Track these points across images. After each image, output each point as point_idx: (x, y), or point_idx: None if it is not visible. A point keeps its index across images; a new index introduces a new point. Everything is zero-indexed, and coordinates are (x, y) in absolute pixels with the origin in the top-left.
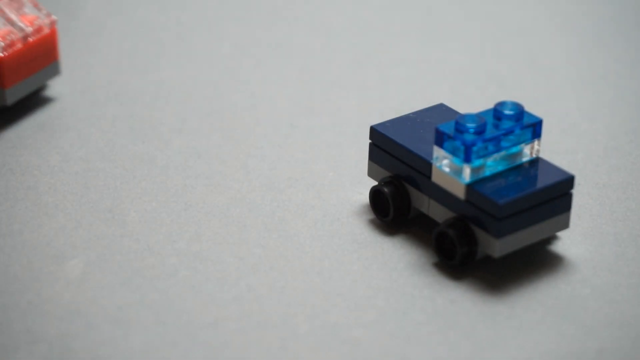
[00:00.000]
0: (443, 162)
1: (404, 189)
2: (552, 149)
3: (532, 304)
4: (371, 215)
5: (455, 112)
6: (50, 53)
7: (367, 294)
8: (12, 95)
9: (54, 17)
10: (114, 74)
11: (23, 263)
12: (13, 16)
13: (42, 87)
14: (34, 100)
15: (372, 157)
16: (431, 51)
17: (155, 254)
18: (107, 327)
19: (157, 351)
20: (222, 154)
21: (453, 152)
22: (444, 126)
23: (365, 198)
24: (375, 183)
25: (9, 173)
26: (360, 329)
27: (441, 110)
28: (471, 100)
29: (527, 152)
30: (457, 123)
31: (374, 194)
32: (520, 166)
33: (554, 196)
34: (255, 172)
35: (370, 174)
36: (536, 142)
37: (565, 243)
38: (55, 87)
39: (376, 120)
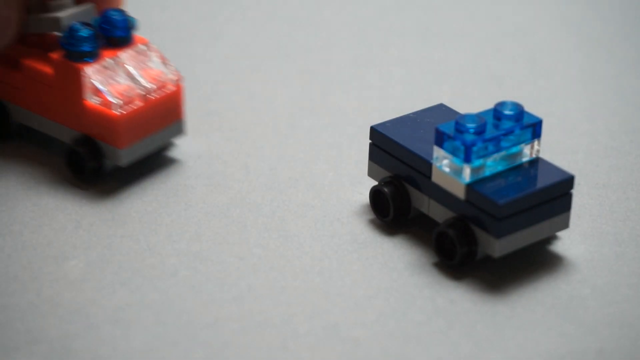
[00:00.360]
0: (443, 162)
1: (404, 189)
2: (552, 149)
3: (532, 304)
4: (371, 215)
5: (455, 112)
6: (174, 112)
7: (367, 294)
8: (128, 156)
9: (180, 73)
10: None
11: (23, 263)
12: (135, 71)
13: (164, 147)
14: None
15: (372, 157)
16: (431, 51)
17: (155, 254)
18: (107, 327)
19: (157, 351)
20: (222, 154)
21: (453, 152)
22: (444, 126)
23: (365, 198)
24: (375, 183)
25: (9, 173)
26: (360, 329)
27: (441, 110)
28: (471, 100)
29: (527, 152)
30: (457, 123)
31: (374, 194)
32: (520, 166)
33: (553, 196)
34: (255, 172)
35: (371, 174)
36: (536, 142)
37: (565, 243)
38: None
39: (376, 120)
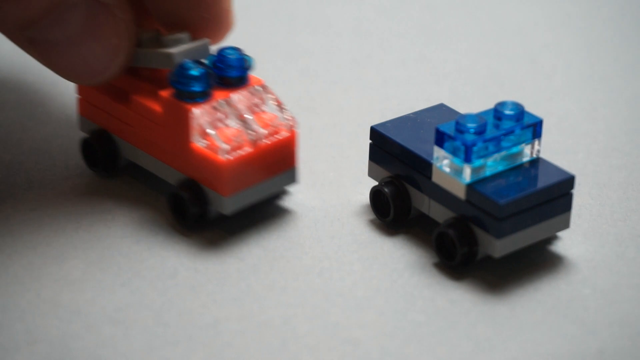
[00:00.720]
0: (443, 162)
1: (404, 189)
2: (553, 149)
3: (533, 305)
4: (371, 215)
5: (456, 112)
6: (286, 159)
7: (367, 294)
8: (233, 204)
9: (296, 119)
10: None
11: (23, 263)
12: (247, 114)
13: (275, 196)
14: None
15: (372, 157)
16: (431, 51)
17: (155, 254)
18: (107, 327)
19: (157, 352)
20: None
21: (453, 152)
22: (444, 126)
23: (365, 198)
24: (375, 183)
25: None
26: (361, 330)
27: (441, 110)
28: (471, 100)
29: (528, 152)
30: (457, 123)
31: (374, 194)
32: (520, 166)
33: (554, 196)
34: None
35: (371, 174)
36: (536, 142)
37: (566, 243)
38: (56, 90)
39: (376, 120)
